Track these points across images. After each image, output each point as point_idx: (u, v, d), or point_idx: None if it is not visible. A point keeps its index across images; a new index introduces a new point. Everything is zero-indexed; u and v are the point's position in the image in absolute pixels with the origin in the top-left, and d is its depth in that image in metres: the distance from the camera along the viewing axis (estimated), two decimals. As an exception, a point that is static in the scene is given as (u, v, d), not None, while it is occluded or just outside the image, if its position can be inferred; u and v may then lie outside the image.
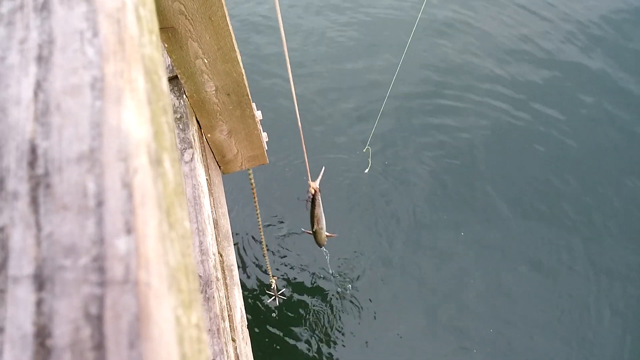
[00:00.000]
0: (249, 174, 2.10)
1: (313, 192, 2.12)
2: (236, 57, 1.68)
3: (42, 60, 0.29)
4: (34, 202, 0.25)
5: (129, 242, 0.24)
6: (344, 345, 2.83)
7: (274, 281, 2.80)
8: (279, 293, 2.99)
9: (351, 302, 2.95)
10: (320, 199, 2.20)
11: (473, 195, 3.24)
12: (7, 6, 0.31)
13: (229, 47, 1.66)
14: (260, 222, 2.26)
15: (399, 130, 3.57)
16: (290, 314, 3.02)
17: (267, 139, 1.91)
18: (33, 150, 0.26)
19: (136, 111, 0.28)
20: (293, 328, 2.98)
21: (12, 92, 0.28)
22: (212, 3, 1.56)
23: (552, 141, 3.47)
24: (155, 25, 0.35)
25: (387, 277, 3.00)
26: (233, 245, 1.80)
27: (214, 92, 1.75)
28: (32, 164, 0.26)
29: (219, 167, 1.94)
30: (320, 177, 2.16)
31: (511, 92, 3.79)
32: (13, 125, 0.27)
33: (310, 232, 2.37)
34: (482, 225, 3.11)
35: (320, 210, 2.23)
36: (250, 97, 1.81)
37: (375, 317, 2.90)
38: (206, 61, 1.68)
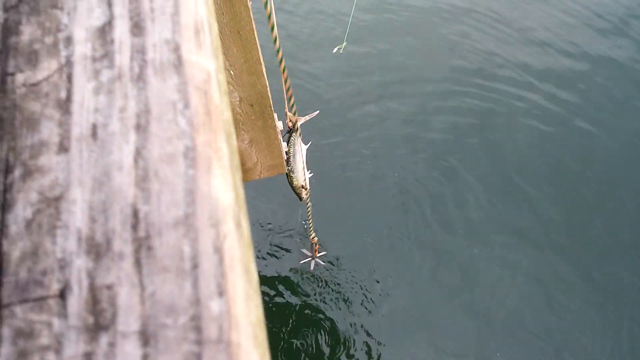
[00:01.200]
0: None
1: (290, 124, 1.95)
2: (262, 69, 1.72)
3: (140, 128, 0.33)
4: (138, 263, 0.28)
5: (221, 304, 0.27)
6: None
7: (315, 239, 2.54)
8: (319, 255, 2.71)
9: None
10: (299, 140, 2.00)
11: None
12: (106, 75, 0.34)
13: (255, 60, 1.70)
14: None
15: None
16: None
17: (286, 149, 1.94)
18: (135, 214, 0.30)
19: (222, 178, 0.32)
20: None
21: (115, 158, 0.31)
22: (242, 18, 1.60)
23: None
24: (226, 86, 0.38)
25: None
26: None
27: (238, 102, 1.79)
28: (134, 227, 0.29)
29: (238, 175, 1.98)
30: (307, 117, 2.02)
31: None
32: (117, 190, 0.30)
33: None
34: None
35: (295, 151, 2.01)
36: (272, 108, 1.85)
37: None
38: (232, 73, 1.72)
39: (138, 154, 0.32)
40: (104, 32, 0.36)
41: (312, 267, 2.77)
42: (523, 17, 4.38)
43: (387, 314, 2.88)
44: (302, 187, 2.15)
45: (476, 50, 4.08)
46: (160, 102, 0.33)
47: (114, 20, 0.36)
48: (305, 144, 2.08)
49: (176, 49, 0.35)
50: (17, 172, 0.31)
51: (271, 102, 1.83)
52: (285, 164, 2.04)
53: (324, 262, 2.82)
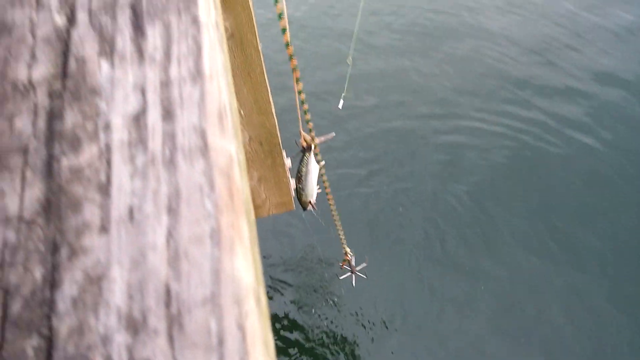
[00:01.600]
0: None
1: (304, 144, 1.94)
2: (271, 109, 1.78)
3: (171, 211, 0.36)
4: (171, 338, 0.32)
5: (244, 379, 0.31)
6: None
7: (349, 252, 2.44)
8: (358, 269, 2.57)
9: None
10: (312, 159, 1.98)
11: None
12: (141, 159, 0.38)
13: (265, 100, 1.75)
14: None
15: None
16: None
17: (294, 186, 1.99)
18: (168, 292, 0.33)
19: (244, 258, 0.35)
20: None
21: (149, 239, 0.35)
22: (253, 60, 1.66)
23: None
24: (245, 163, 0.42)
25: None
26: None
27: (247, 141, 1.84)
28: (167, 304, 0.33)
29: (247, 210, 2.02)
30: (323, 138, 1.99)
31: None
32: (151, 269, 0.34)
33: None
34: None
35: (307, 170, 1.99)
36: (281, 146, 1.90)
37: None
38: (242, 113, 1.77)
39: (170, 235, 0.35)
40: (139, 118, 0.40)
41: (353, 283, 2.61)
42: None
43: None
44: (310, 202, 2.15)
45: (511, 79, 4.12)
46: (188, 185, 0.37)
47: (147, 107, 0.40)
48: (318, 163, 2.03)
49: (202, 134, 0.39)
50: (63, 252, 0.34)
51: (280, 141, 1.88)
52: (297, 182, 2.03)
53: (365, 275, 2.63)
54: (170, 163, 0.38)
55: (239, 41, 1.60)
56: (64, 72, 0.42)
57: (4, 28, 0.44)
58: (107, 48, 0.43)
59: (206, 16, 0.45)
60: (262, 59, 1.71)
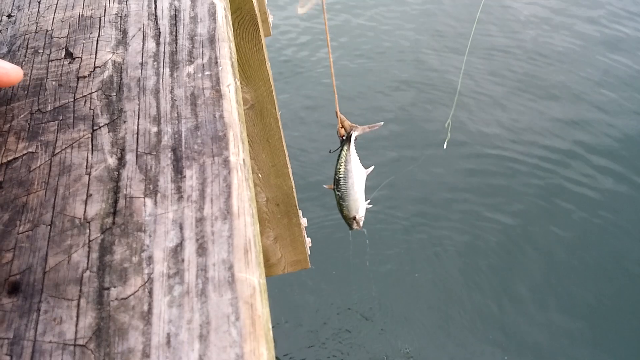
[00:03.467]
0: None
1: (343, 132, 1.60)
2: (288, 172, 1.86)
3: (203, 338, 0.43)
4: None
5: None
6: None
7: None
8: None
9: None
10: (354, 155, 1.60)
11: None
12: (178, 290, 0.45)
13: (282, 164, 1.84)
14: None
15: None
16: None
17: (310, 244, 2.05)
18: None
19: (264, 383, 0.42)
20: None
21: (183, 365, 0.42)
22: (271, 128, 1.77)
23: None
24: (266, 294, 0.49)
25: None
26: None
27: (264, 202, 1.92)
28: None
29: (263, 268, 2.08)
30: (367, 127, 1.62)
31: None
32: (185, 394, 0.41)
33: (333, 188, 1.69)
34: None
35: (347, 171, 1.61)
36: (297, 206, 1.97)
37: None
38: (260, 176, 1.86)
39: (201, 361, 0.42)
40: (177, 252, 0.47)
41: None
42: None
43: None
44: (354, 219, 1.75)
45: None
46: (217, 315, 0.44)
47: (184, 242, 0.48)
48: (366, 168, 1.69)
49: (230, 267, 0.46)
50: (112, 377, 0.41)
51: (296, 202, 1.95)
52: (335, 187, 1.67)
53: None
54: (202, 294, 0.45)
55: (259, 111, 1.71)
56: (114, 210, 0.49)
57: (65, 168, 0.52)
58: (151, 187, 0.51)
59: (235, 157, 0.53)
60: (280, 127, 1.81)
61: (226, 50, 0.63)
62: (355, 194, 1.70)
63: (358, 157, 1.70)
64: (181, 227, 0.48)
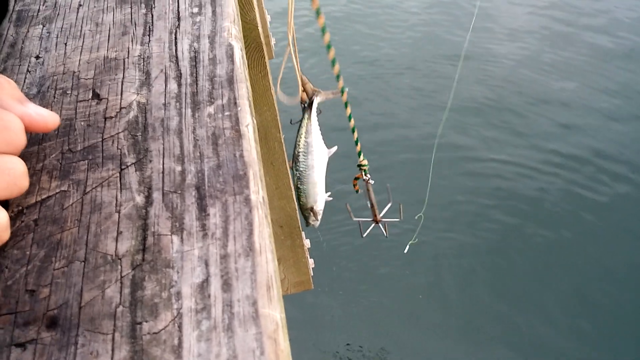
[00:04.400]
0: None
1: (304, 97, 1.41)
2: (291, 194, 1.90)
3: (230, 371, 0.46)
4: None
5: None
6: None
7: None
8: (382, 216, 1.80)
9: None
10: (316, 128, 1.39)
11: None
12: (205, 325, 0.48)
13: (286, 186, 1.88)
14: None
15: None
16: None
17: (313, 265, 2.07)
18: None
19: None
20: None
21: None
22: (275, 151, 1.81)
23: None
24: (287, 331, 0.52)
25: None
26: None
27: (268, 224, 1.94)
28: None
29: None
30: (332, 93, 1.41)
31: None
32: None
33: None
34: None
35: (308, 145, 1.39)
36: (301, 227, 2.00)
37: None
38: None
39: (229, 395, 0.45)
40: (203, 288, 0.50)
41: (386, 233, 1.84)
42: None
43: None
44: (312, 209, 1.54)
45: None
46: (244, 349, 0.47)
47: (210, 278, 0.51)
48: (329, 148, 1.48)
49: (254, 303, 0.49)
50: (146, 410, 0.44)
51: (299, 223, 1.98)
52: (293, 165, 1.48)
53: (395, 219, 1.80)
54: (229, 329, 0.48)
55: (264, 135, 1.75)
56: (143, 247, 0.52)
57: (96, 206, 0.55)
58: (178, 225, 0.54)
59: (255, 195, 0.56)
60: (284, 149, 1.85)
61: (244, 90, 0.66)
62: (315, 175, 1.47)
63: (320, 133, 1.48)
64: (206, 264, 0.51)
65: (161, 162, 0.59)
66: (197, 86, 0.66)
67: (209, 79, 0.67)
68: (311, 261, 2.07)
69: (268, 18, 2.88)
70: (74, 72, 0.68)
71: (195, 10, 0.76)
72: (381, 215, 1.76)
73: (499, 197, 3.78)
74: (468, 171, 3.89)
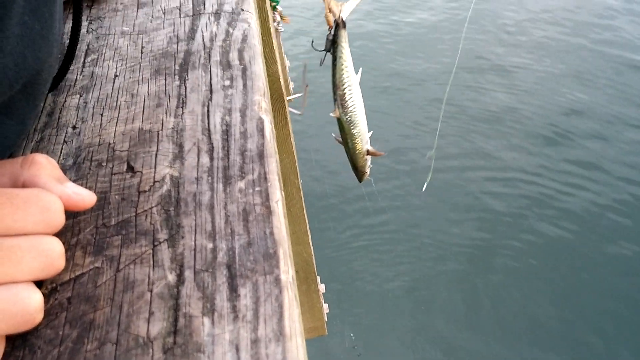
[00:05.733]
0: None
1: (332, 18, 1.24)
2: (308, 240, 1.90)
3: None
4: None
5: None
6: None
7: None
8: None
9: None
10: (349, 52, 1.20)
11: None
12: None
13: (303, 231, 1.88)
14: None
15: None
16: None
17: (327, 311, 2.05)
18: None
19: None
20: None
21: None
22: (293, 197, 1.82)
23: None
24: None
25: None
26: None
27: (284, 269, 1.94)
28: None
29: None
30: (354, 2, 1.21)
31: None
32: None
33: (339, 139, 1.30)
34: None
35: (349, 75, 1.21)
36: (316, 272, 1.99)
37: None
38: (281, 243, 1.89)
39: None
40: (234, 374, 0.50)
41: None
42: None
43: None
44: (368, 153, 1.33)
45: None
46: None
47: (240, 364, 0.51)
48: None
49: (284, 391, 0.49)
50: None
51: (315, 269, 1.98)
52: (339, 103, 1.22)
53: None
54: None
55: (282, 182, 1.76)
56: (174, 329, 0.53)
57: (128, 285, 0.56)
58: (209, 306, 0.54)
59: (285, 276, 0.57)
60: (301, 195, 1.86)
61: (274, 165, 0.68)
62: (362, 111, 1.27)
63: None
64: (237, 349, 0.52)
65: (193, 238, 0.60)
66: (228, 160, 0.68)
67: (240, 152, 0.69)
68: (325, 306, 2.05)
69: (287, 63, 2.95)
70: (110, 143, 0.70)
71: (227, 83, 0.78)
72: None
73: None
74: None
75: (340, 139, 1.43)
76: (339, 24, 1.26)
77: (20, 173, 0.55)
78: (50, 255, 0.52)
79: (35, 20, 0.59)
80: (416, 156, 4.35)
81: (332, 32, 1.27)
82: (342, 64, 1.27)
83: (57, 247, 0.53)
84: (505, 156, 4.39)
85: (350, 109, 1.31)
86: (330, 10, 1.28)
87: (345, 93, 1.29)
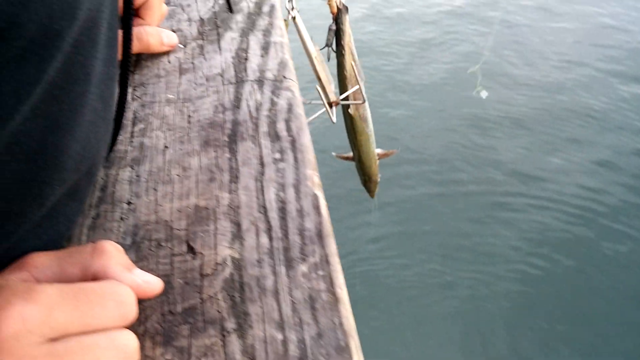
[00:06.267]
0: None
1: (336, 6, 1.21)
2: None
3: None
4: None
5: None
6: None
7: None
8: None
9: None
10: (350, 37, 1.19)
11: None
12: None
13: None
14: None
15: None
16: None
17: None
18: None
19: None
20: None
21: None
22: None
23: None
24: None
25: None
26: None
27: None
28: None
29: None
30: None
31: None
32: None
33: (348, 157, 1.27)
34: None
35: (353, 59, 1.18)
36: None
37: None
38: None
39: None
40: None
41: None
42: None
43: None
44: (379, 156, 1.27)
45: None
46: None
47: None
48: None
49: None
50: None
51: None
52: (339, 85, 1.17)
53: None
54: None
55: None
56: None
57: (203, 379, 0.56)
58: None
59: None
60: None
61: (334, 247, 0.68)
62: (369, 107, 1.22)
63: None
64: None
65: (261, 328, 0.60)
66: (288, 241, 0.68)
67: (298, 232, 0.69)
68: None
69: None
70: (166, 221, 0.70)
71: (277, 156, 0.79)
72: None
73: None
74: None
75: (344, 155, 1.38)
76: (342, 10, 1.25)
77: (90, 263, 0.55)
78: (127, 351, 0.52)
79: (101, 103, 0.59)
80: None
81: (336, 27, 1.25)
82: (351, 54, 1.23)
83: (133, 343, 0.53)
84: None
85: (365, 104, 1.24)
86: None
87: (360, 86, 1.23)
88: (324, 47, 1.27)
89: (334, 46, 1.30)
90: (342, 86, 1.31)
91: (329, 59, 1.30)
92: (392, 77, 4.86)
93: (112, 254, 0.57)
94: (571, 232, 3.74)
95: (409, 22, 5.61)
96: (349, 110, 1.31)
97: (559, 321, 3.32)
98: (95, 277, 0.55)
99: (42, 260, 0.54)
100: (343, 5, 1.27)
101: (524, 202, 3.91)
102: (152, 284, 0.58)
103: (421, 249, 3.69)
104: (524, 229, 3.77)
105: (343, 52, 1.27)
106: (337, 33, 1.26)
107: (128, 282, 0.55)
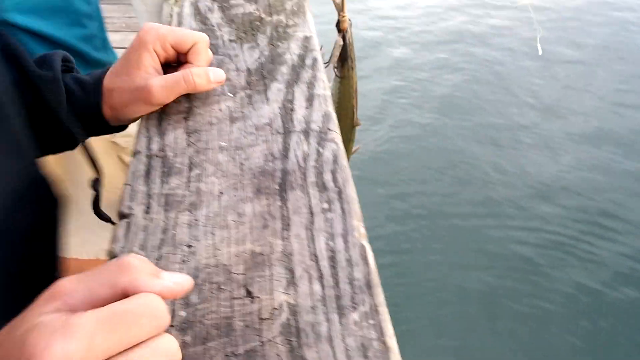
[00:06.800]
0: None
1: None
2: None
3: None
4: None
5: None
6: None
7: None
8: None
9: None
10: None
11: None
12: None
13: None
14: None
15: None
16: None
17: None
18: None
19: None
20: None
21: None
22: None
23: None
24: None
25: None
26: None
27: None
28: None
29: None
30: None
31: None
32: None
33: None
34: None
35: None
36: None
37: None
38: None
39: None
40: None
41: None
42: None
43: None
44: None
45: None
46: None
47: None
48: None
49: None
50: None
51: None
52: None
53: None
54: None
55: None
56: None
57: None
58: None
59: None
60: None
61: (382, 297, 0.73)
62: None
63: None
64: None
65: (319, 372, 0.64)
66: (339, 289, 0.73)
67: (348, 281, 0.74)
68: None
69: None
70: (225, 265, 0.75)
71: (325, 206, 0.84)
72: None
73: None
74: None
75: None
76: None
77: (117, 280, 0.55)
78: (169, 354, 0.55)
79: None
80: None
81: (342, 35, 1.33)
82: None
83: (173, 344, 0.55)
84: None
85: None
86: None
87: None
88: (327, 64, 1.36)
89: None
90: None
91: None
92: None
93: (138, 266, 0.57)
94: None
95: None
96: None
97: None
98: (125, 293, 0.55)
99: (72, 286, 0.55)
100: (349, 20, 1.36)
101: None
102: (182, 282, 0.59)
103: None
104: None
105: (352, 65, 1.40)
106: (344, 48, 1.37)
107: (159, 289, 0.56)
